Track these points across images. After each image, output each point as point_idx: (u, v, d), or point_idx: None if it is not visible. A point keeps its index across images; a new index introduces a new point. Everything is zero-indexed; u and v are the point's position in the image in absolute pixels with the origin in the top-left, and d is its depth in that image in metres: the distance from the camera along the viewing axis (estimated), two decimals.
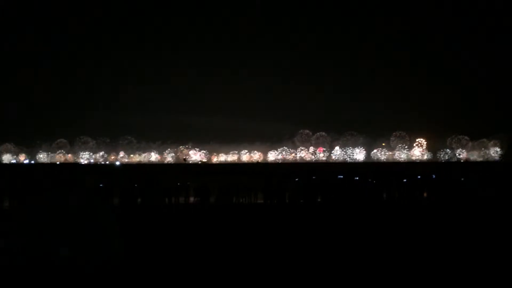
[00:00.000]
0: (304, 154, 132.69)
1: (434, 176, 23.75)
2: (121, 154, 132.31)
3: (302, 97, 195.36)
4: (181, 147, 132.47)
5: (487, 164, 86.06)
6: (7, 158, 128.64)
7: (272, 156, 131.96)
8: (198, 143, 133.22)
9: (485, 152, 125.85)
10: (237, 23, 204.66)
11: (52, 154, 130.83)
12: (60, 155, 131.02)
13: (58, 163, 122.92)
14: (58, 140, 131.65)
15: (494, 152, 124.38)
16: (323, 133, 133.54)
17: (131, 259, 7.19)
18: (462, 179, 23.22)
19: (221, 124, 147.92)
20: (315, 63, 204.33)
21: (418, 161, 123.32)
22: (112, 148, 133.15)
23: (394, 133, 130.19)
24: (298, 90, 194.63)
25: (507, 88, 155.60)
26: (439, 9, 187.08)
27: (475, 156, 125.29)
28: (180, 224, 13.28)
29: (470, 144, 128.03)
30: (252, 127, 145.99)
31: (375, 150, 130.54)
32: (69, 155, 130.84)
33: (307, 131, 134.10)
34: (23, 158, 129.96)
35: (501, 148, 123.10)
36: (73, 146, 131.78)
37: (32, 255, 3.22)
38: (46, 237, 3.26)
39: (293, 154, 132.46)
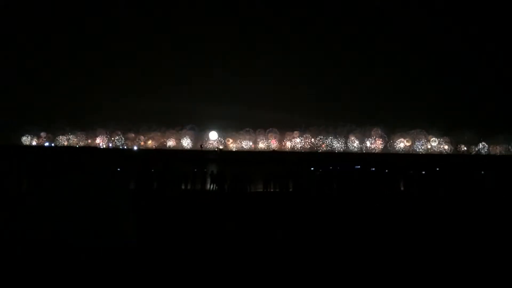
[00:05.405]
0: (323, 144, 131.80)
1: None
2: (141, 138, 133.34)
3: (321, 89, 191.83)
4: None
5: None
6: (28, 140, 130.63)
7: (289, 144, 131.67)
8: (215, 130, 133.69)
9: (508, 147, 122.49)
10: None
11: (71, 136, 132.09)
12: (80, 138, 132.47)
13: (77, 146, 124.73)
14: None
15: None
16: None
17: (143, 243, 7.22)
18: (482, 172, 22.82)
19: (239, 113, 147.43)
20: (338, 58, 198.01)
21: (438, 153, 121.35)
22: (132, 132, 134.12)
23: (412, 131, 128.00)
24: (318, 83, 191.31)
25: None
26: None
27: (498, 150, 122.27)
28: (192, 211, 13.30)
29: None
30: (269, 116, 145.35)
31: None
32: (89, 140, 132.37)
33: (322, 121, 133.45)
34: (42, 141, 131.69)
35: None
36: (94, 129, 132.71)
37: (45, 237, 3.26)
38: (60, 219, 3.29)
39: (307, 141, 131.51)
